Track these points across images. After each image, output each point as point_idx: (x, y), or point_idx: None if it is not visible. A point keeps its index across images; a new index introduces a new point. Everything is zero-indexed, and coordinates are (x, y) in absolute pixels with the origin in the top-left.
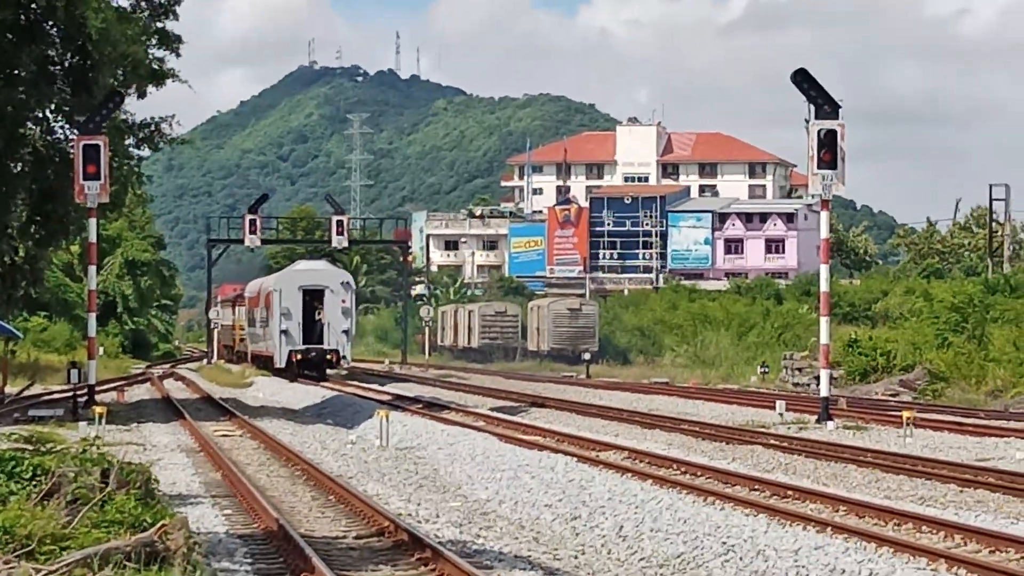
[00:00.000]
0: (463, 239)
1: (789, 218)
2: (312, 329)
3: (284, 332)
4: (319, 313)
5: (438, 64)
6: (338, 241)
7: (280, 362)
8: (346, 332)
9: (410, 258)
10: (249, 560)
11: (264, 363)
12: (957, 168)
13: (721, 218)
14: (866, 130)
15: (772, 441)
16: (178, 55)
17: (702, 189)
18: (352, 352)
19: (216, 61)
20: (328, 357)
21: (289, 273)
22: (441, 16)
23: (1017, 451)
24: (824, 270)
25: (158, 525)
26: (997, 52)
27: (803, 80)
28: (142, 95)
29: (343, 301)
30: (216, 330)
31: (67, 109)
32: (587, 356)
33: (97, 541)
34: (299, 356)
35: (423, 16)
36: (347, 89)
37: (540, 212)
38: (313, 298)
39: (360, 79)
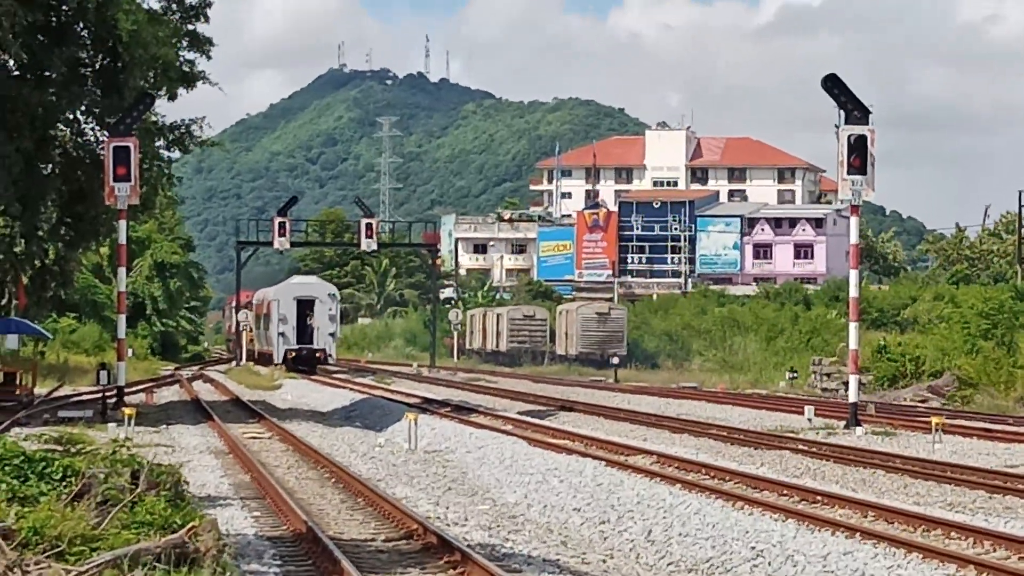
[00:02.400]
0: (492, 243)
1: (818, 223)
2: (304, 332)
3: (281, 334)
4: (310, 319)
5: (468, 67)
6: (367, 244)
7: (278, 359)
8: (332, 334)
9: (439, 261)
10: (278, 562)
11: (267, 360)
12: (987, 174)
13: (750, 223)
14: (896, 135)
15: (801, 446)
16: (208, 57)
17: (731, 194)
18: (377, 355)
19: (246, 63)
20: (317, 355)
21: (286, 286)
22: (471, 19)
23: None
24: (854, 275)
25: (188, 527)
26: None
27: (833, 85)
28: (172, 97)
29: (330, 309)
30: (245, 331)
31: (97, 111)
32: (615, 360)
33: (127, 542)
34: (293, 354)
35: (453, 19)
36: (376, 92)
37: (569, 216)
38: (305, 307)
39: (389, 82)
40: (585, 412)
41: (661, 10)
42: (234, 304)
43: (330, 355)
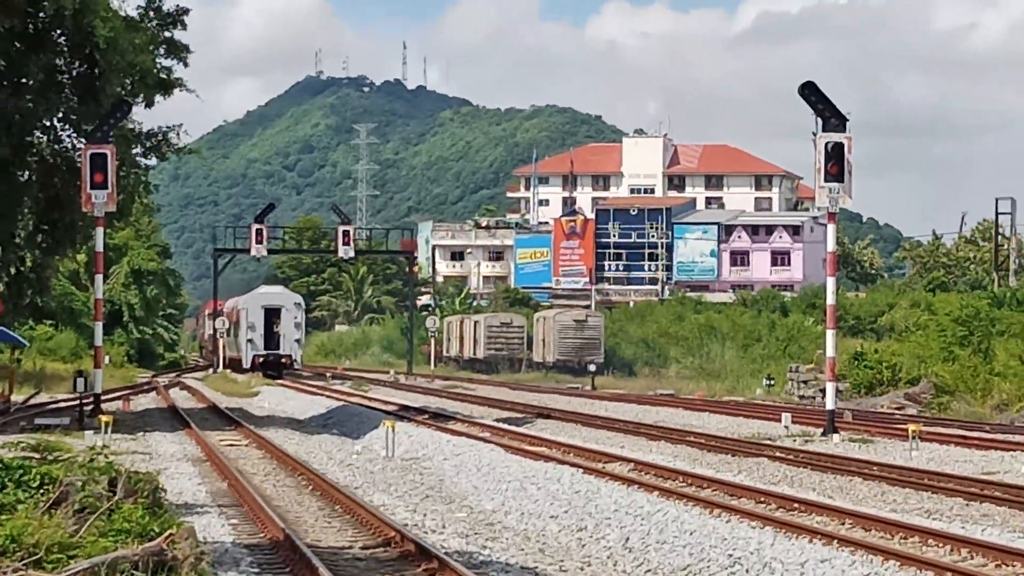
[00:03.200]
0: (469, 250)
1: (795, 230)
2: (271, 339)
3: (250, 341)
4: (277, 327)
5: (445, 75)
6: (344, 251)
7: (246, 364)
8: (297, 341)
9: (416, 268)
10: (255, 570)
11: (236, 364)
12: (963, 182)
13: (727, 230)
14: (873, 143)
15: (778, 454)
16: (186, 64)
17: (708, 201)
18: (355, 362)
19: (223, 70)
20: (283, 360)
21: (254, 295)
22: (448, 26)
23: (1023, 465)
24: (831, 283)
25: (165, 534)
26: (1005, 66)
27: (811, 93)
28: (149, 104)
29: (295, 318)
30: (222, 339)
31: (74, 118)
32: (593, 367)
33: (105, 550)
34: (261, 359)
35: (431, 27)
36: (354, 99)
37: (546, 223)
38: (272, 315)
39: (367, 89)
40: (562, 419)
41: (638, 18)
42: (208, 312)
43: (296, 360)
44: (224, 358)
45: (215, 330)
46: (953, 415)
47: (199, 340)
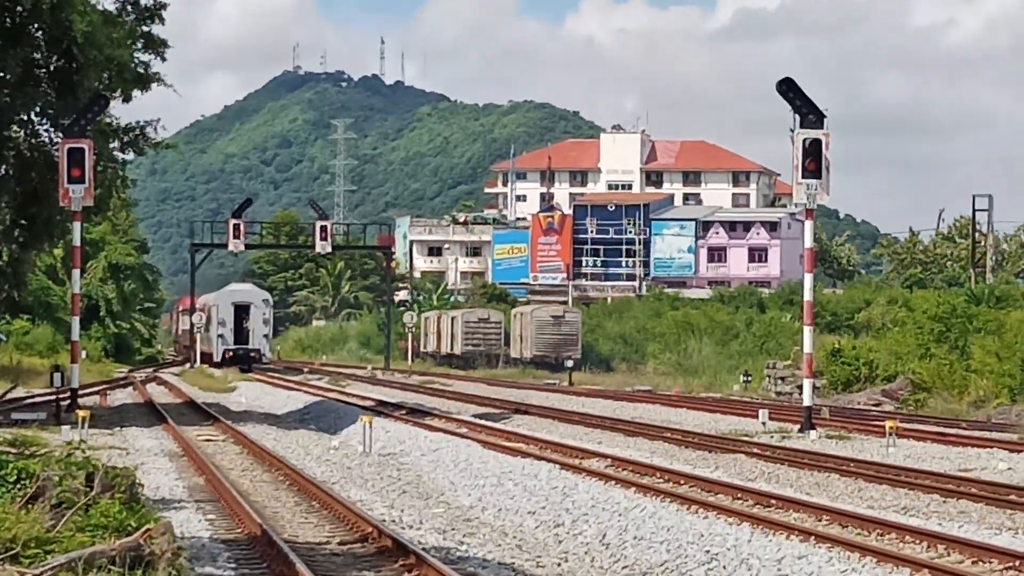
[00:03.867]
0: (446, 245)
1: (772, 227)
2: (241, 334)
3: (220, 336)
4: (246, 322)
5: (423, 70)
6: (321, 246)
7: (217, 357)
8: (266, 336)
9: (393, 264)
10: (233, 565)
11: (207, 358)
12: (941, 178)
13: (704, 226)
14: (850, 140)
15: (755, 450)
16: (163, 59)
17: (686, 197)
18: (332, 357)
19: (201, 65)
20: (252, 354)
21: (225, 292)
22: (426, 22)
23: (1000, 462)
24: (808, 279)
25: (143, 529)
26: (982, 63)
27: (788, 89)
28: (127, 99)
29: (264, 314)
30: (199, 334)
31: (52, 112)
32: (570, 363)
33: (82, 545)
34: (231, 353)
35: (409, 22)
36: (331, 94)
37: (524, 219)
38: (241, 311)
39: (344, 84)
40: (539, 415)
41: (616, 14)
42: (181, 308)
43: (264, 354)
44: (196, 352)
45: (191, 325)
46: (930, 412)
47: (173, 335)
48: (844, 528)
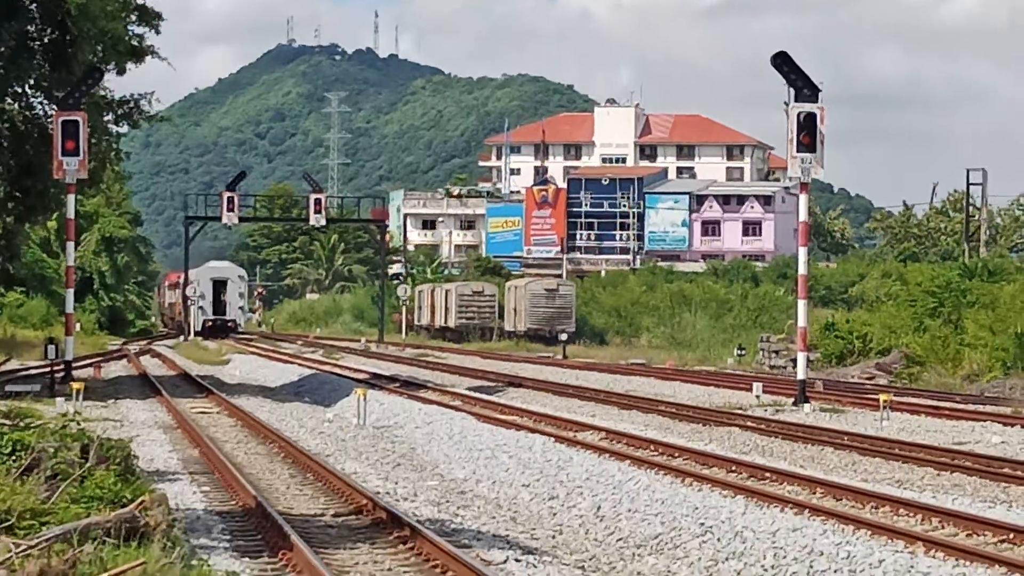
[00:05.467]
0: (440, 218)
1: (766, 201)
2: (219, 306)
3: (200, 308)
4: (223, 296)
5: (417, 44)
6: (315, 219)
7: (196, 327)
8: (241, 308)
9: (387, 237)
10: (228, 537)
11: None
12: (935, 153)
13: (698, 200)
14: (845, 114)
15: (749, 423)
16: (157, 32)
17: (680, 171)
18: (326, 331)
19: (195, 38)
20: (228, 324)
21: (205, 269)
22: None
23: (993, 435)
24: (803, 253)
25: (138, 501)
26: (977, 38)
27: (783, 63)
28: (121, 72)
29: (240, 288)
30: (193, 307)
31: (46, 85)
32: (564, 336)
33: (77, 516)
34: (210, 323)
35: None
36: (325, 67)
37: (518, 192)
38: (219, 286)
39: (338, 57)
40: (533, 388)
41: None
42: (167, 283)
43: (239, 325)
44: (189, 324)
45: (185, 297)
46: (924, 385)
47: (159, 308)
48: (838, 501)
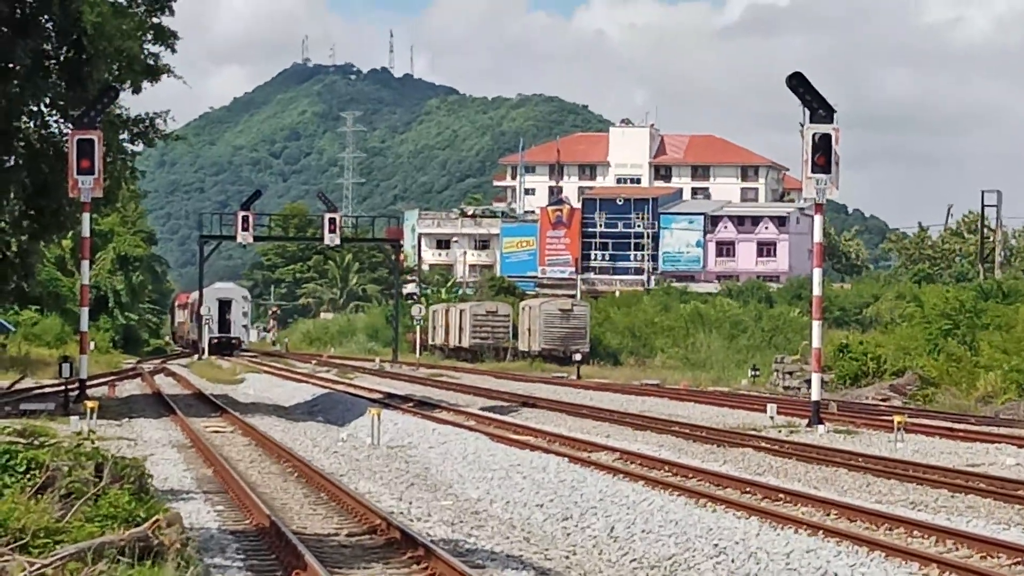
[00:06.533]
0: (455, 238)
1: (781, 221)
2: (224, 324)
3: (207, 326)
4: (228, 315)
5: (432, 64)
6: (330, 239)
7: (203, 344)
8: (244, 327)
9: (402, 257)
10: (242, 556)
11: (195, 345)
12: (949, 174)
13: (713, 221)
14: (860, 135)
15: (763, 444)
16: (173, 51)
17: (694, 191)
18: (340, 350)
19: (210, 57)
20: (233, 342)
21: (211, 290)
22: (436, 16)
23: (1008, 457)
24: (817, 274)
25: (152, 520)
26: (991, 60)
27: (799, 84)
28: (137, 90)
29: (243, 308)
30: (207, 325)
31: (62, 103)
32: (578, 357)
33: (91, 535)
34: (216, 341)
35: (419, 16)
36: (340, 87)
37: (532, 212)
38: (225, 306)
39: (353, 77)
40: (548, 408)
41: (626, 9)
42: (179, 303)
43: (243, 342)
44: (186, 340)
45: (199, 316)
46: (938, 407)
47: (171, 327)
48: (852, 522)
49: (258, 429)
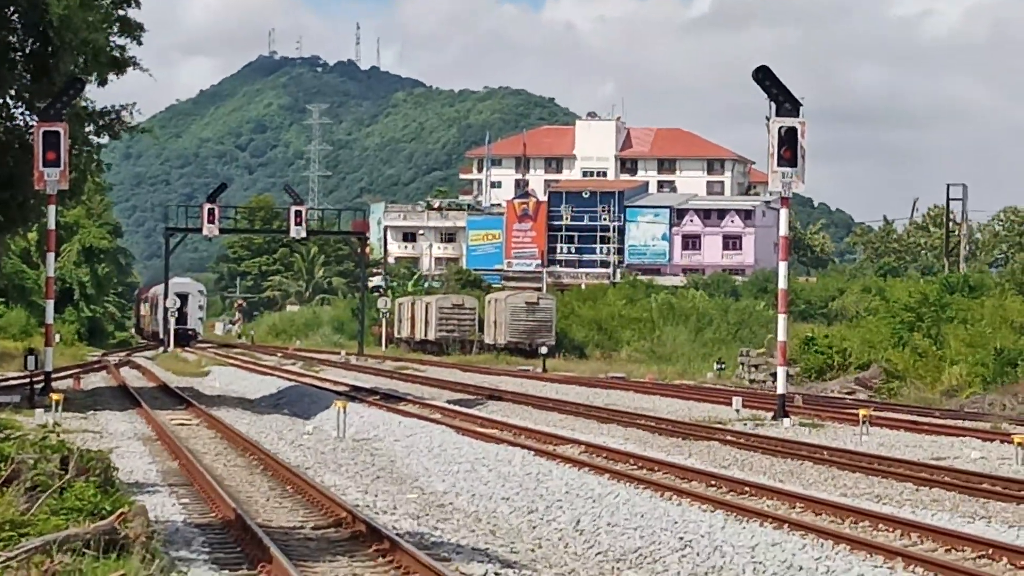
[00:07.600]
0: (421, 231)
1: (747, 215)
2: (181, 317)
3: (173, 318)
4: (185, 308)
5: (399, 56)
6: (296, 231)
7: (162, 335)
8: (200, 319)
9: (368, 249)
10: (207, 549)
11: (154, 336)
12: (915, 168)
13: (679, 214)
14: (826, 129)
15: (729, 437)
16: (139, 43)
17: (660, 185)
18: (306, 343)
19: (176, 49)
20: (189, 333)
21: (169, 284)
22: (404, 8)
23: (972, 450)
24: (783, 267)
25: (117, 513)
26: (959, 54)
27: (765, 77)
28: (103, 82)
29: (199, 302)
30: (173, 318)
31: (27, 95)
32: (544, 350)
33: (56, 528)
34: (174, 333)
35: (388, 9)
36: (307, 79)
37: (498, 205)
38: (182, 299)
39: (320, 69)
40: (513, 401)
41: (596, 2)
42: (142, 297)
43: (198, 333)
44: (148, 332)
45: (165, 309)
46: (903, 400)
47: (135, 321)
48: (817, 515)
49: (224, 422)
